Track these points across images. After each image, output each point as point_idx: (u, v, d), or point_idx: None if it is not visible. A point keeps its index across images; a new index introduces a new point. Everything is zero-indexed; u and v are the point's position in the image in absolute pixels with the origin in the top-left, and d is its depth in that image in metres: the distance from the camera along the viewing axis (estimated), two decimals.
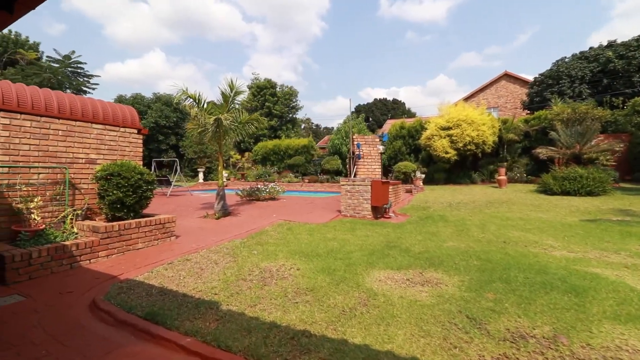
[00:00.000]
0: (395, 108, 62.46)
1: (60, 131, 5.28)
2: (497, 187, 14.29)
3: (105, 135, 5.92)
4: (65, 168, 5.30)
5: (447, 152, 15.90)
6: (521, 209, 8.85)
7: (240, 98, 8.17)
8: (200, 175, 21.35)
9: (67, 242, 4.44)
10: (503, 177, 14.28)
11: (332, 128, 67.88)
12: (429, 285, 3.30)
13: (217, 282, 3.60)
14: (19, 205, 4.64)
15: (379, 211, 7.84)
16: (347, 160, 10.07)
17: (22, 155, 4.83)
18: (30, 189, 4.87)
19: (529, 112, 25.75)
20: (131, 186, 5.32)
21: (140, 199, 5.52)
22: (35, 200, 4.70)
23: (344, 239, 5.38)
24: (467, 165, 17.59)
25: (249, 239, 5.58)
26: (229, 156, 26.07)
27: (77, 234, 5.00)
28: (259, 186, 10.63)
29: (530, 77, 28.72)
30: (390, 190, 8.34)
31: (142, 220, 5.40)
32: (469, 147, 15.68)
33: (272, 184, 10.97)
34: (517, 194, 12.18)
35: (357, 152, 9.09)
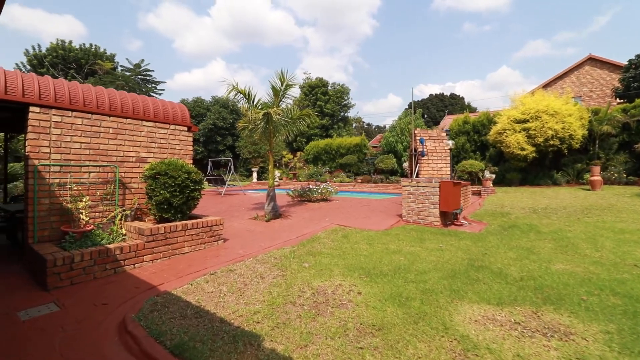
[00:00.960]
0: (453, 103, 58.36)
1: (111, 129, 5.13)
2: (589, 190, 11.97)
3: (155, 132, 5.71)
4: (115, 167, 5.15)
5: (522, 149, 13.82)
6: (634, 217, 7.01)
7: (293, 92, 7.61)
8: (254, 175, 21.61)
9: (110, 246, 4.17)
10: (597, 178, 11.91)
11: (384, 127, 65.57)
12: (555, 336, 2.27)
13: (261, 305, 2.95)
14: (69, 205, 4.52)
15: (447, 217, 6.70)
16: (408, 158, 8.99)
17: (73, 154, 4.72)
18: (80, 188, 4.76)
19: (621, 100, 21.76)
20: (178, 186, 4.99)
21: (188, 199, 5.18)
22: (84, 200, 4.55)
23: (413, 253, 4.44)
24: (547, 163, 15.18)
25: (300, 247, 4.92)
26: (281, 156, 26.18)
27: (125, 235, 4.79)
28: (310, 186, 10.04)
29: (622, 61, 24.29)
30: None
31: (189, 222, 5.04)
32: (551, 142, 13.44)
33: (324, 184, 10.32)
34: (620, 198, 9.96)
35: (419, 149, 8.00)
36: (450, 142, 7.73)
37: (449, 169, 7.95)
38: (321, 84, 28.66)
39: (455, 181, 6.42)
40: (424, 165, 7.94)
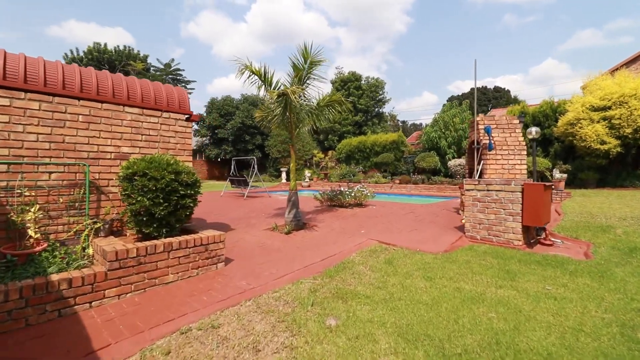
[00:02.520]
0: (497, 97, 53.86)
1: (80, 116, 3.95)
2: None
3: (142, 122, 4.49)
4: (85, 165, 3.96)
5: (603, 142, 11.26)
6: None
7: (320, 72, 6.12)
8: (283, 176, 20.43)
9: (54, 277, 2.92)
10: None
11: (420, 124, 61.78)
12: None
13: None
14: (16, 217, 3.37)
15: (530, 233, 4.86)
16: (467, 153, 7.18)
17: (27, 148, 3.58)
18: (37, 193, 3.61)
19: None
20: (161, 190, 3.69)
21: (176, 208, 3.87)
22: (33, 210, 3.37)
23: (507, 302, 2.74)
24: (629, 160, 12.42)
25: (325, 280, 3.41)
26: (311, 155, 24.84)
27: (92, 257, 3.56)
28: (341, 189, 8.48)
29: None
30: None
31: (175, 241, 3.71)
32: None
33: (358, 185, 8.71)
34: None
35: (484, 141, 6.16)
36: (534, 130, 5.79)
37: (524, 166, 6.03)
38: (354, 77, 26.92)
39: (546, 183, 4.57)
40: (489, 162, 6.08)
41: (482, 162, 6.16)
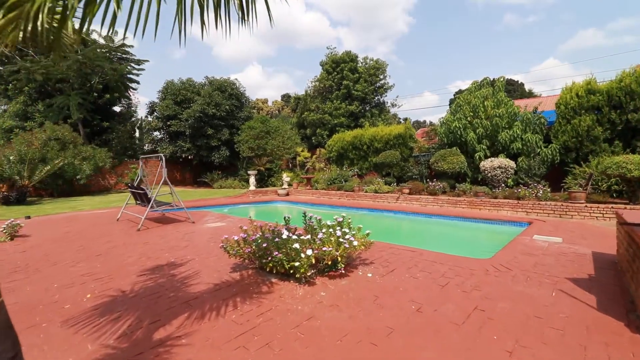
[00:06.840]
0: (509, 90, 48.87)
1: None
2: None
3: None
4: None
5: None
6: None
7: None
8: (252, 181, 15.36)
9: None
10: None
11: (424, 122, 56.33)
12: None
13: None
14: None
15: None
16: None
17: None
18: None
19: None
20: None
21: None
22: None
23: None
24: None
25: None
26: (295, 153, 19.81)
27: None
28: (285, 233, 3.42)
29: None
30: None
31: None
32: None
33: (328, 227, 3.59)
34: None
35: None
36: None
37: None
38: (349, 58, 21.79)
39: None
40: None
41: None
